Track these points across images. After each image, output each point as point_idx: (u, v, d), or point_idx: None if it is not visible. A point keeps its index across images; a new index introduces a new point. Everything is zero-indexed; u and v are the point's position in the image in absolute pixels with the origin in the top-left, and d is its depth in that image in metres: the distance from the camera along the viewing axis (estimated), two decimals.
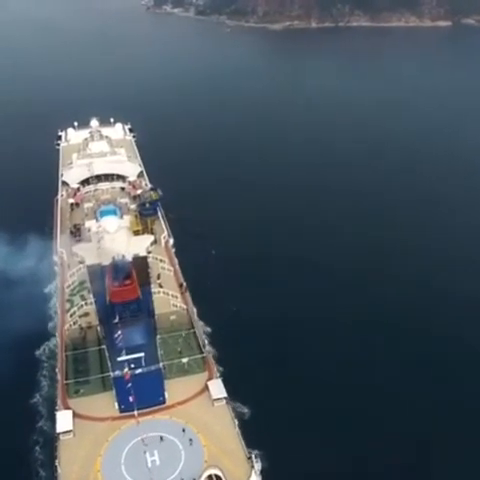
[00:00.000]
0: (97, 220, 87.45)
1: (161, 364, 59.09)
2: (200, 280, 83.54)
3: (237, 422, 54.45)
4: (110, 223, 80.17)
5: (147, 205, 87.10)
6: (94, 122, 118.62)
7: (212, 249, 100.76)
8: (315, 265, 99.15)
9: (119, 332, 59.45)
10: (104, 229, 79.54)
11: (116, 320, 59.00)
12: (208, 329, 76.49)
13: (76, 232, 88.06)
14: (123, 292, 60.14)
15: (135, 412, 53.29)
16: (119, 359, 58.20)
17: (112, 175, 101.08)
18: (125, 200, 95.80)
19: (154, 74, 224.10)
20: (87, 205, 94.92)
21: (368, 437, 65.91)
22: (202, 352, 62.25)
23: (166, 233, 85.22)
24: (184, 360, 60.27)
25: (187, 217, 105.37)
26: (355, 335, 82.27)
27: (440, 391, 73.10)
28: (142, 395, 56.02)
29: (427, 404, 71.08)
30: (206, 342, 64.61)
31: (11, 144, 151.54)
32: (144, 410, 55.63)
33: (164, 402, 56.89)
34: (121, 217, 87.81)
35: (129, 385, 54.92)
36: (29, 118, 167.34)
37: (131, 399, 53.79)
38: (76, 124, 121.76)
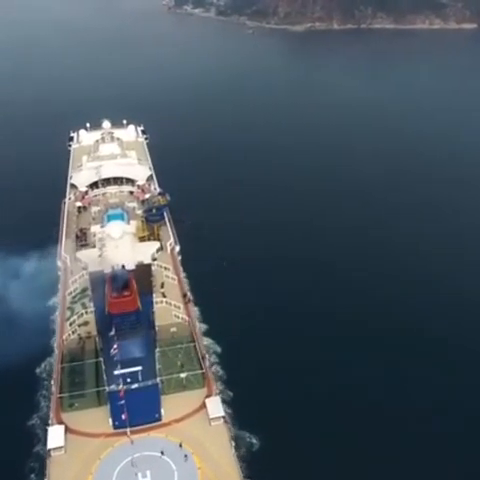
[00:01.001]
0: (103, 225, 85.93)
1: (159, 379, 56.82)
2: (208, 290, 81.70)
3: (234, 444, 52.24)
4: (114, 229, 78.15)
5: (154, 211, 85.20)
6: (106, 123, 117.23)
7: (223, 258, 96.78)
8: (334, 279, 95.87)
9: (116, 344, 57.42)
10: (108, 235, 77.52)
11: (113, 332, 56.88)
12: (213, 343, 75.04)
13: (82, 237, 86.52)
14: (121, 303, 57.98)
15: (127, 430, 51.22)
16: (115, 373, 56.09)
17: (121, 178, 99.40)
18: (133, 204, 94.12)
19: (172, 75, 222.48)
20: (94, 209, 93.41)
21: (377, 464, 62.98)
22: (202, 367, 59.92)
23: (172, 240, 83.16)
24: (182, 375, 58.08)
25: (197, 222, 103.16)
26: (371, 356, 78.89)
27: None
28: (137, 411, 54.18)
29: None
30: (207, 356, 62.36)
31: (25, 144, 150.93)
32: (139, 427, 53.71)
33: (160, 419, 54.94)
34: (128, 222, 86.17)
35: (123, 401, 52.99)
36: (44, 118, 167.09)
37: (124, 416, 51.79)
38: (88, 125, 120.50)
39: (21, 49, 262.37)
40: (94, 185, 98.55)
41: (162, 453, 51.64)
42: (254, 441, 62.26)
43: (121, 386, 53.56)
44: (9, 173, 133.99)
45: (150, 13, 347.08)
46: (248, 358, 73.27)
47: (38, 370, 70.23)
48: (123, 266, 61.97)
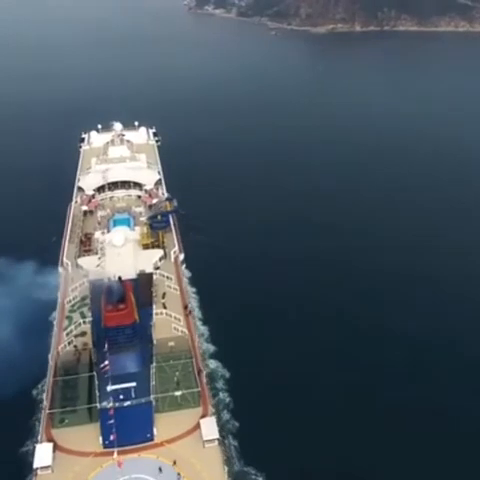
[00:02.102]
0: (108, 230, 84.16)
1: (152, 396, 54.86)
2: (218, 306, 79.95)
3: (227, 469, 49.76)
4: (117, 236, 76.05)
5: (159, 217, 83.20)
6: (118, 125, 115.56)
7: (231, 268, 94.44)
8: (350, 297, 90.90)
9: (110, 359, 55.51)
10: (110, 242, 75.55)
11: (106, 347, 54.89)
12: (221, 366, 72.02)
13: (86, 242, 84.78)
14: (117, 317, 55.99)
15: (115, 451, 49.03)
16: (108, 388, 54.21)
17: (129, 182, 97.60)
18: (140, 209, 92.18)
19: (190, 76, 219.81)
20: (101, 213, 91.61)
21: None
22: (198, 385, 57.50)
23: (177, 248, 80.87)
24: (177, 393, 55.73)
25: (206, 229, 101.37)
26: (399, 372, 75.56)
27: None
28: (128, 430, 52.24)
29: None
30: (204, 374, 59.84)
31: (37, 144, 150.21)
32: (129, 447, 51.53)
33: (152, 439, 52.64)
34: (133, 228, 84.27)
35: (113, 420, 50.99)
36: (58, 118, 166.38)
37: (113, 437, 49.73)
38: (100, 127, 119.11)
39: (40, 49, 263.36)
40: (101, 189, 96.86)
41: (160, 469, 49.59)
42: (251, 471, 59.11)
43: (111, 404, 51.60)
44: (19, 173, 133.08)
45: (170, 13, 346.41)
46: (255, 382, 69.33)
47: (35, 392, 65.76)
48: (119, 278, 59.77)
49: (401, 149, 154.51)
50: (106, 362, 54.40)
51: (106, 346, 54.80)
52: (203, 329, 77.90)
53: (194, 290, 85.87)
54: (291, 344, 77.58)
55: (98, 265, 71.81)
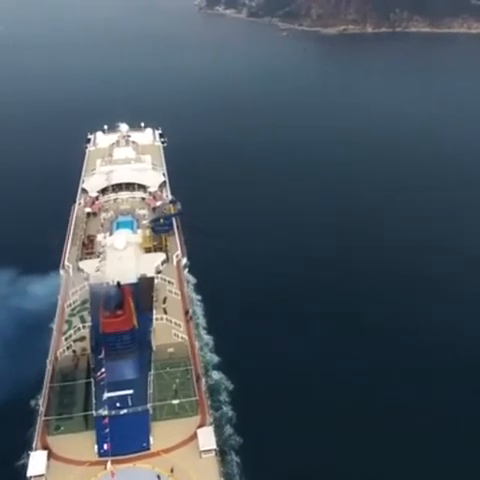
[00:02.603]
0: (111, 232, 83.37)
1: (150, 405, 53.91)
2: (223, 315, 78.21)
3: None
4: (119, 239, 75.23)
5: (161, 221, 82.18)
6: (124, 126, 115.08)
7: (237, 274, 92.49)
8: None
9: (107, 365, 54.62)
10: (112, 245, 74.70)
11: (102, 354, 53.97)
12: (225, 378, 70.20)
13: (89, 244, 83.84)
14: (114, 323, 54.98)
15: (109, 461, 48.11)
16: (105, 396, 53.33)
17: (133, 184, 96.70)
18: (144, 211, 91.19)
19: (198, 76, 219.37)
20: (104, 215, 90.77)
21: None
22: (197, 393, 56.40)
23: (179, 251, 79.76)
24: (175, 402, 54.68)
25: (209, 232, 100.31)
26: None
27: None
28: (124, 439, 51.31)
29: None
30: (203, 381, 58.72)
31: (44, 143, 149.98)
32: (125, 456, 50.58)
33: (148, 448, 51.61)
34: (136, 231, 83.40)
35: (108, 429, 50.10)
36: (66, 117, 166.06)
37: (107, 446, 48.84)
38: (106, 127, 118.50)
39: (50, 48, 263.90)
40: (105, 190, 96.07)
41: (158, 477, 48.64)
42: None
43: (106, 412, 50.73)
44: (24, 173, 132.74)
45: (181, 13, 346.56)
46: (259, 396, 66.85)
47: (33, 402, 63.78)
48: (118, 283, 58.80)
49: (410, 151, 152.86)
50: (102, 370, 53.56)
51: (102, 353, 53.82)
52: (207, 338, 76.44)
53: (199, 297, 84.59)
54: (298, 356, 74.96)
55: (97, 269, 70.78)
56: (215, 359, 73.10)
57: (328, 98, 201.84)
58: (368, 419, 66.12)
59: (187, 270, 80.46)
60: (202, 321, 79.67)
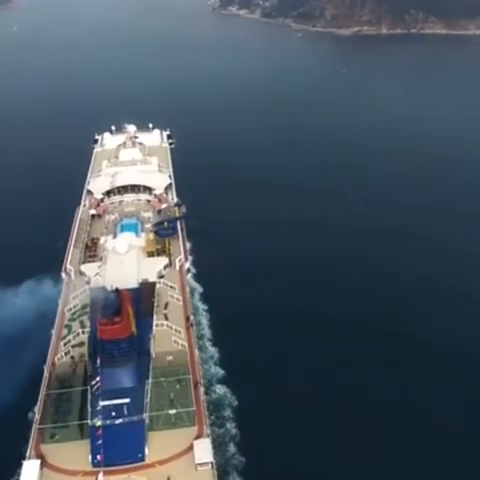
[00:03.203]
0: (115, 235, 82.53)
1: (146, 414, 52.79)
2: (229, 325, 75.93)
3: None
4: (121, 243, 74.30)
5: (165, 224, 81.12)
6: (131, 127, 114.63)
7: (244, 282, 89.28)
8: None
9: (104, 373, 53.61)
10: (113, 249, 73.74)
11: (98, 361, 52.95)
12: (229, 392, 67.63)
13: (92, 247, 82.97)
14: (111, 331, 53.86)
15: (101, 471, 47.03)
16: (100, 404, 52.31)
17: (138, 186, 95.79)
18: (148, 214, 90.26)
19: (210, 77, 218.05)
20: (108, 217, 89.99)
21: None
22: (195, 403, 55.13)
23: (183, 256, 78.58)
24: (171, 412, 53.48)
25: (215, 239, 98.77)
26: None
27: None
28: (119, 449, 50.24)
29: None
30: (202, 391, 57.45)
31: (53, 143, 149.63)
32: (119, 467, 49.47)
33: (143, 459, 50.47)
34: (140, 234, 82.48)
35: (102, 439, 49.07)
36: (75, 117, 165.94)
37: (100, 457, 47.78)
38: (113, 128, 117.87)
39: (64, 48, 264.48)
40: (111, 192, 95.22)
41: None
42: None
43: (100, 422, 49.71)
44: (31, 173, 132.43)
45: (194, 13, 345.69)
46: (265, 413, 64.01)
47: (30, 414, 60.31)
48: (116, 289, 57.70)
49: (423, 153, 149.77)
50: (97, 379, 52.59)
51: (98, 360, 52.83)
52: (212, 351, 74.25)
53: (205, 307, 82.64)
54: (309, 373, 71.22)
55: (97, 273, 69.87)
56: (220, 372, 70.54)
57: (339, 99, 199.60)
58: (382, 443, 62.97)
59: (190, 275, 79.39)
60: (207, 332, 77.36)
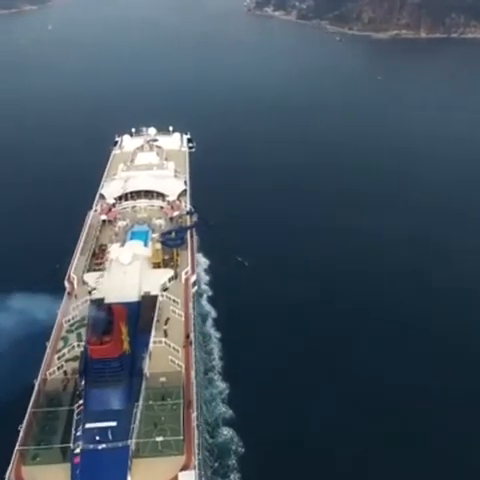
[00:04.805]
0: (124, 243, 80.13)
1: (131, 441, 49.86)
2: (236, 349, 72.23)
3: None
4: (125, 253, 71.75)
5: (173, 234, 78.31)
6: (152, 130, 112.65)
7: (265, 310, 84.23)
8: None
9: (91, 393, 51.16)
10: (116, 259, 71.28)
11: (84, 380, 50.48)
12: (236, 436, 62.34)
13: (99, 254, 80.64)
14: (100, 350, 51.23)
15: None
16: (86, 426, 49.81)
17: (152, 192, 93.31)
18: (160, 221, 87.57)
19: (242, 80, 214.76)
20: (120, 223, 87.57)
21: None
22: (185, 430, 52.02)
23: (189, 268, 75.34)
24: (158, 439, 50.46)
25: (232, 254, 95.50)
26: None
27: None
28: (100, 477, 47.41)
29: None
30: (194, 416, 54.24)
31: (74, 145, 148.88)
32: None
33: None
34: (149, 242, 79.86)
35: (84, 464, 46.48)
36: (99, 118, 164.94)
37: None
38: (133, 130, 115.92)
39: (96, 46, 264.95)
40: (124, 197, 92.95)
41: None
42: None
43: (81, 447, 47.11)
44: (50, 173, 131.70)
45: (229, 14, 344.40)
46: (275, 465, 58.35)
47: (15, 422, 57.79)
48: (109, 306, 55.04)
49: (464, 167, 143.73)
50: (90, 393, 50.19)
51: (83, 379, 50.37)
52: (222, 387, 70.03)
53: (218, 335, 78.90)
54: (326, 424, 64.65)
55: (98, 284, 67.47)
56: (228, 412, 65.59)
57: (372, 107, 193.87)
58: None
59: (205, 298, 76.08)
60: (218, 363, 73.07)
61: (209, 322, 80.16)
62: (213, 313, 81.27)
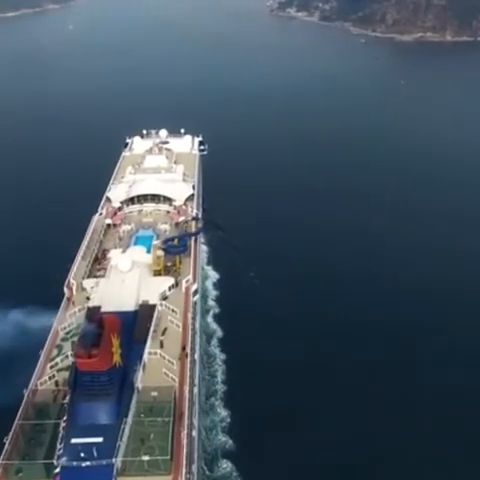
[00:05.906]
0: (126, 248, 78.52)
1: (117, 459, 48.03)
2: (241, 372, 68.43)
3: None
4: (124, 260, 70.01)
5: (175, 241, 76.42)
6: (163, 132, 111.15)
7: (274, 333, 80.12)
8: None
9: (78, 406, 49.53)
10: (116, 266, 69.62)
11: (68, 396, 48.81)
12: (228, 460, 59.11)
13: (101, 259, 79.14)
14: (88, 364, 49.48)
15: None
16: (71, 441, 48.13)
17: (159, 196, 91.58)
18: (166, 226, 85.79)
19: (261, 82, 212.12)
20: (124, 227, 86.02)
21: None
22: (173, 450, 50.00)
23: (191, 276, 73.33)
24: (145, 458, 48.51)
25: (241, 267, 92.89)
26: None
27: None
28: None
29: None
30: (185, 434, 52.13)
31: (87, 146, 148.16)
32: None
33: None
34: (150, 249, 78.01)
35: None
36: (114, 119, 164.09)
37: None
38: (145, 132, 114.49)
39: (115, 46, 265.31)
40: (129, 201, 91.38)
41: None
42: None
43: (63, 464, 45.46)
44: (62, 174, 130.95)
45: (252, 14, 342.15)
46: None
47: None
48: (100, 318, 53.27)
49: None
50: (76, 407, 48.54)
51: (70, 394, 48.69)
52: (222, 415, 67.10)
53: (223, 357, 75.77)
54: (331, 456, 60.83)
55: (95, 291, 65.85)
56: (228, 443, 62.35)
57: (392, 114, 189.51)
58: None
59: (211, 315, 73.79)
60: (220, 388, 69.75)
61: (214, 341, 77.05)
62: (219, 332, 78.31)
